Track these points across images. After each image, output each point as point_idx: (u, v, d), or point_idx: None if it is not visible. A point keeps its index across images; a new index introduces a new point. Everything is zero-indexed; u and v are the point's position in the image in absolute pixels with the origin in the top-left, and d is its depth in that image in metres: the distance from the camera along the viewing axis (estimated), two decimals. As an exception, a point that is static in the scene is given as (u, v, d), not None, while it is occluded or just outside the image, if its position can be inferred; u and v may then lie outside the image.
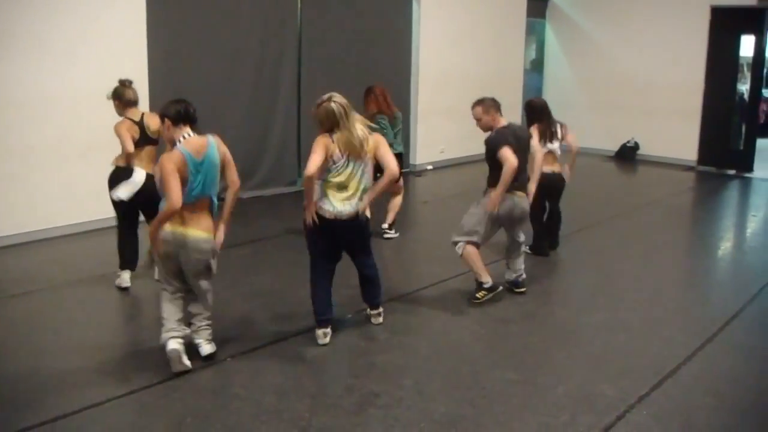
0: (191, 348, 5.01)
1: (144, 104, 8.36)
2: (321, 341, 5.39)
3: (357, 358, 5.24)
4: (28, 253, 7.47)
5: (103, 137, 8.09)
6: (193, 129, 4.85)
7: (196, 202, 4.79)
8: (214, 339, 5.13)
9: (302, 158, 10.61)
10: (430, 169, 12.51)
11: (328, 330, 5.46)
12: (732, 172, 13.18)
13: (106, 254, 7.45)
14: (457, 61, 12.81)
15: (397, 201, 8.19)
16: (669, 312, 6.28)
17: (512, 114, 14.20)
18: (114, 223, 8.20)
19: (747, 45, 13.08)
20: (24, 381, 4.74)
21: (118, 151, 8.27)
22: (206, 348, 5.04)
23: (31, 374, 4.84)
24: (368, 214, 5.52)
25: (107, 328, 5.57)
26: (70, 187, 7.98)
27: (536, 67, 16.01)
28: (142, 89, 8.32)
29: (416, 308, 6.25)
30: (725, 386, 4.92)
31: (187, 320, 5.04)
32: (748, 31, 12.98)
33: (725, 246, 8.80)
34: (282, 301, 6.25)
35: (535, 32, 15.79)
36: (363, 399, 4.60)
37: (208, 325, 5.08)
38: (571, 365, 5.16)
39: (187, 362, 4.88)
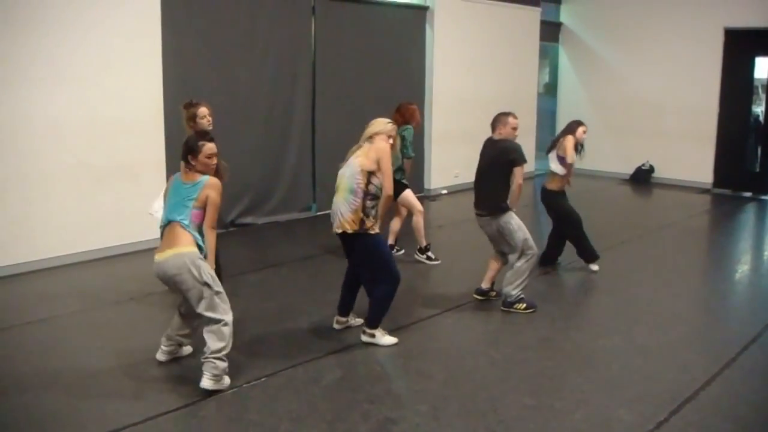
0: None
1: (159, 132, 8.47)
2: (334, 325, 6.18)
3: (373, 384, 5.22)
4: (44, 279, 7.50)
5: (120, 163, 8.20)
6: (187, 166, 5.12)
7: (166, 226, 5.08)
8: (230, 364, 5.12)
9: (317, 183, 10.65)
10: (445, 194, 12.52)
11: (341, 318, 6.15)
12: (748, 194, 13.13)
13: (122, 280, 7.51)
14: (470, 85, 12.86)
15: (415, 221, 8.21)
16: (686, 336, 6.24)
17: (527, 137, 14.26)
18: (129, 249, 8.32)
19: (761, 67, 13.05)
20: (39, 408, 4.75)
21: (134, 176, 8.39)
22: (204, 382, 4.94)
23: (47, 401, 4.85)
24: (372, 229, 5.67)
25: (123, 355, 5.58)
26: (87, 213, 8.03)
27: (550, 91, 16.04)
28: (157, 117, 8.44)
29: (432, 333, 6.24)
30: (745, 411, 4.87)
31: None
32: (762, 54, 12.96)
33: (742, 269, 8.73)
34: (297, 326, 6.25)
35: (548, 56, 15.85)
36: (379, 425, 4.58)
37: (214, 359, 4.93)
38: (589, 390, 5.12)
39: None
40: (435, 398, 4.96)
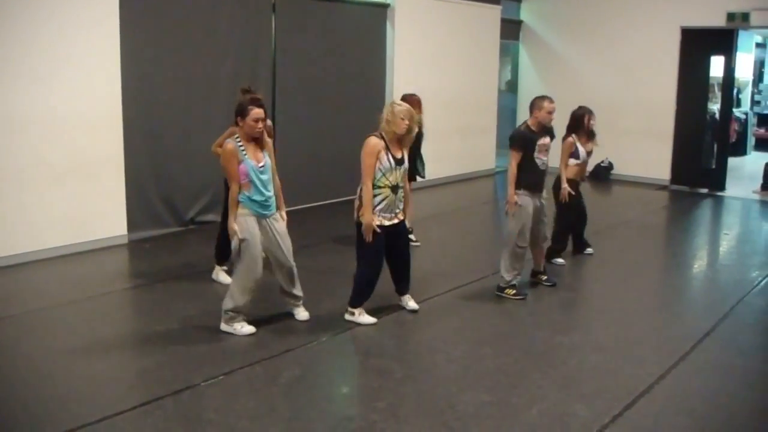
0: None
1: (118, 130, 8.38)
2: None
3: (331, 382, 5.22)
4: (1, 278, 7.39)
5: (77, 161, 8.10)
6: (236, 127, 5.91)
7: None
8: (187, 362, 5.09)
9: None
10: (407, 191, 12.52)
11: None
12: (704, 190, 13.33)
13: (79, 279, 7.42)
14: (432, 83, 12.86)
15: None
16: (642, 331, 6.33)
17: (488, 135, 14.33)
18: (87, 248, 8.20)
19: (717, 65, 13.25)
20: (-6, 409, 4.69)
21: (92, 174, 8.27)
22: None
23: (1, 403, 4.78)
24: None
25: (79, 354, 5.52)
26: (44, 212, 7.90)
27: (511, 88, 16.15)
28: (115, 114, 8.34)
29: (390, 331, 6.25)
30: (698, 405, 4.96)
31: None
32: (717, 52, 13.16)
33: (698, 264, 8.88)
34: (256, 324, 6.21)
35: (509, 54, 15.95)
36: (337, 423, 4.59)
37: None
38: (545, 386, 5.17)
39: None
40: (393, 396, 4.98)
